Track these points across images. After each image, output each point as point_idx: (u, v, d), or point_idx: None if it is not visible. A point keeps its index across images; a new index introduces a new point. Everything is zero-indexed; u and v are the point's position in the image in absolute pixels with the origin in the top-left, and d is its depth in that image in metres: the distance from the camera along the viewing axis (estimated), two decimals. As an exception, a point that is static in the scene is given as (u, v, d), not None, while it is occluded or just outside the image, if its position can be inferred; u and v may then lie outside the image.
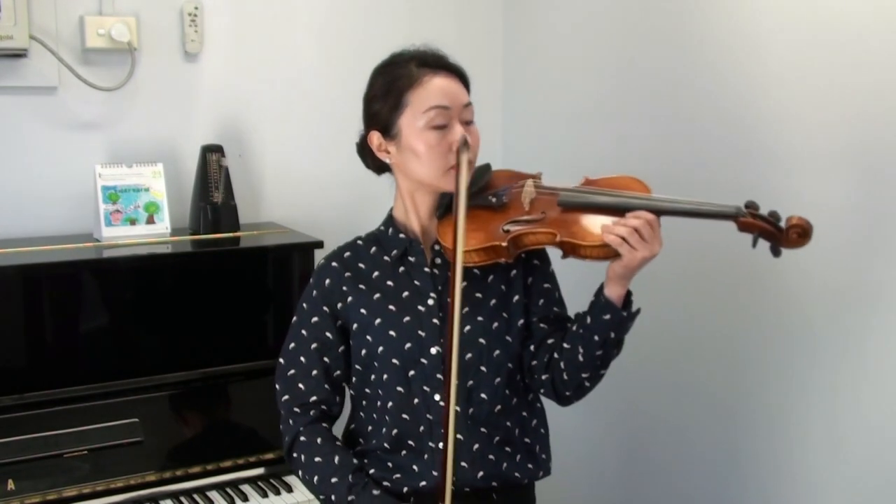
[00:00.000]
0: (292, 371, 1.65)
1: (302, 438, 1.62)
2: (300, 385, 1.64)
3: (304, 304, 1.68)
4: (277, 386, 1.67)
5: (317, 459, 1.60)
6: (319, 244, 2.25)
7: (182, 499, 1.99)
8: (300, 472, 1.63)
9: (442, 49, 1.64)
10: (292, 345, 1.66)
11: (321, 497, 1.61)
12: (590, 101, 2.46)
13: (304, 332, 1.66)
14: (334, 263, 1.67)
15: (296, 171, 2.55)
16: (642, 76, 2.28)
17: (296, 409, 1.64)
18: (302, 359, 1.64)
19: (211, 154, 2.31)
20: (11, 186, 2.22)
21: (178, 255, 2.18)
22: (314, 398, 1.63)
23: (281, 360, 1.67)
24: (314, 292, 1.67)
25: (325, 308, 1.65)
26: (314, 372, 1.64)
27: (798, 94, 1.90)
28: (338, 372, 1.65)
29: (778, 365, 2.00)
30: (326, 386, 1.64)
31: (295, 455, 1.63)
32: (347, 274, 1.65)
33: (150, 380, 2.09)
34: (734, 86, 2.05)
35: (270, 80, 2.50)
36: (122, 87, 2.26)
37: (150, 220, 2.25)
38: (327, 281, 1.66)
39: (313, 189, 2.57)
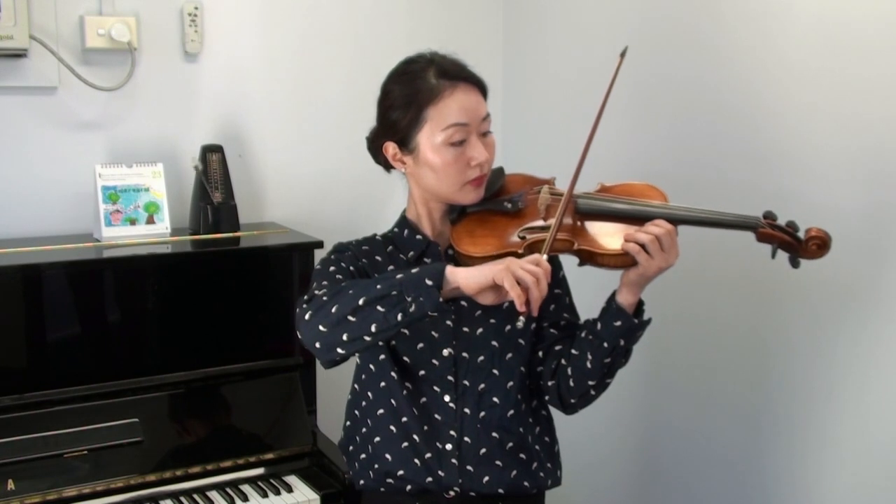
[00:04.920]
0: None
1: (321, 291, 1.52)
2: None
3: (327, 264, 1.62)
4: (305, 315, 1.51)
5: (343, 284, 1.51)
6: (319, 244, 2.25)
7: (182, 499, 1.99)
8: (325, 300, 1.48)
9: (441, 50, 1.63)
10: (324, 283, 1.56)
11: (360, 301, 1.44)
12: (594, 103, 2.44)
13: (331, 268, 1.60)
14: (352, 247, 1.66)
15: (296, 171, 2.55)
16: (650, 77, 2.26)
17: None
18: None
19: (211, 154, 2.32)
20: (11, 186, 2.22)
21: (178, 255, 2.18)
22: None
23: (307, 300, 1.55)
24: (333, 256, 1.64)
25: (351, 268, 1.62)
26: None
27: (816, 97, 1.88)
28: None
29: (799, 371, 1.97)
30: None
31: (311, 301, 1.50)
32: (364, 260, 1.64)
33: (150, 380, 2.09)
34: (747, 87, 2.03)
35: (270, 80, 2.49)
36: (122, 87, 2.26)
37: (150, 220, 2.25)
38: (348, 253, 1.65)
39: (313, 189, 2.57)
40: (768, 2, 1.97)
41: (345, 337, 1.46)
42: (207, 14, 2.39)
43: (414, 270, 1.45)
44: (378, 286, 1.44)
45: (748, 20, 2.02)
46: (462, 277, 1.41)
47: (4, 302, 1.96)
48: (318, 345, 1.49)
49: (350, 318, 1.44)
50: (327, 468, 2.11)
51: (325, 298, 1.49)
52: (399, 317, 1.42)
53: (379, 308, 1.42)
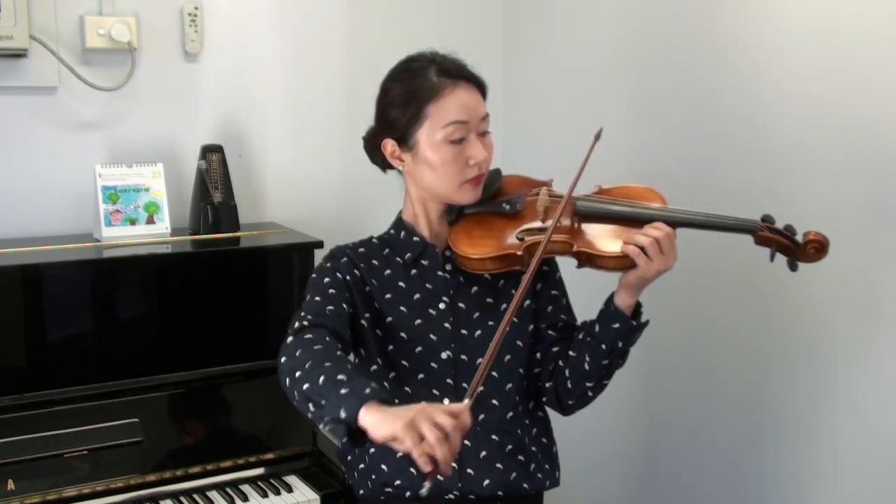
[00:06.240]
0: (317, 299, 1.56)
1: (308, 335, 1.48)
2: (327, 309, 1.55)
3: (322, 274, 1.62)
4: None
5: (316, 347, 1.46)
6: (319, 244, 2.25)
7: (182, 499, 1.99)
8: (297, 355, 1.44)
9: (441, 50, 1.63)
10: (317, 298, 1.57)
11: (304, 386, 1.40)
12: (595, 103, 2.45)
13: (326, 279, 1.60)
14: (348, 251, 1.66)
15: (296, 171, 2.55)
16: (650, 77, 2.26)
17: (309, 317, 1.53)
18: (330, 308, 1.56)
19: (211, 154, 2.32)
20: (11, 186, 2.22)
21: (178, 255, 2.18)
22: (331, 325, 1.53)
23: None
24: (329, 265, 1.63)
25: (347, 277, 1.61)
26: (339, 307, 1.57)
27: (815, 96, 1.87)
28: (348, 332, 1.57)
29: (798, 373, 1.97)
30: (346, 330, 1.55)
31: (295, 338, 1.49)
32: (362, 265, 1.64)
33: (150, 380, 2.09)
34: (746, 87, 2.03)
35: (270, 80, 2.49)
36: (122, 87, 2.26)
37: (150, 220, 2.25)
38: (344, 259, 1.64)
39: (313, 189, 2.57)
40: (768, 2, 1.97)
41: (296, 403, 1.43)
42: (207, 14, 2.39)
43: (344, 391, 1.33)
44: (321, 380, 1.36)
45: (748, 20, 2.02)
46: (370, 423, 1.28)
47: (4, 302, 1.97)
48: (286, 387, 1.46)
49: (296, 393, 1.41)
50: (327, 468, 2.11)
51: (298, 354, 1.43)
52: (321, 426, 1.37)
53: (310, 405, 1.38)
